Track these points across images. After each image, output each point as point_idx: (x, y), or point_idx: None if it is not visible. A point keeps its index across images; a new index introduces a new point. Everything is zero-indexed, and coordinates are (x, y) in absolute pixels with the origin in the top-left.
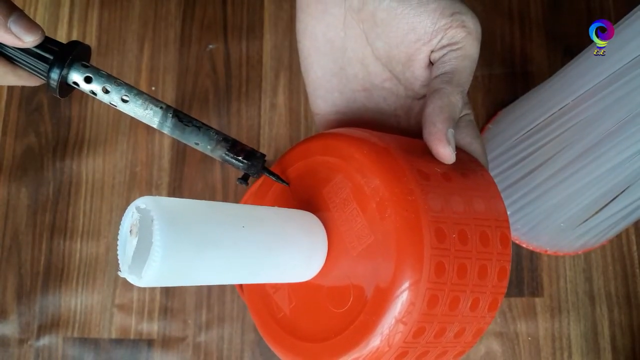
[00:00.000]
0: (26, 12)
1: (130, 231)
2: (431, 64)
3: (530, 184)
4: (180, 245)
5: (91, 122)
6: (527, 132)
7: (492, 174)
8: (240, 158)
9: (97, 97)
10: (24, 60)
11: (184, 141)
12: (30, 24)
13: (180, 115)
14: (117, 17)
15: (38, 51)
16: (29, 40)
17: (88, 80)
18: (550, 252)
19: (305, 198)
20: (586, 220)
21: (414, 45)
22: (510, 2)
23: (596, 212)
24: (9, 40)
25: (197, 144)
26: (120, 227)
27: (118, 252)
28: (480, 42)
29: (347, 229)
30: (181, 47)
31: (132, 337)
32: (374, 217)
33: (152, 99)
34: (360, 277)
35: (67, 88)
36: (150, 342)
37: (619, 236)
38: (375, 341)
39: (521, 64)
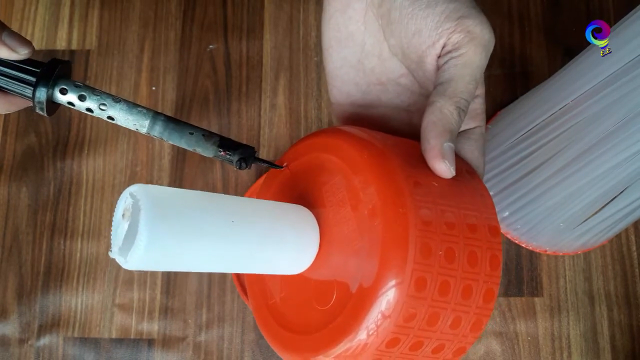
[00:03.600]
0: (26, 12)
1: (122, 215)
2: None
3: (530, 184)
4: (165, 235)
5: (91, 121)
6: (527, 132)
7: (491, 174)
8: (232, 152)
9: (94, 114)
10: (11, 86)
11: (173, 142)
12: (22, 38)
13: (168, 119)
14: (117, 17)
15: (21, 74)
16: (24, 52)
17: (82, 98)
18: (549, 252)
19: (305, 193)
20: (586, 220)
21: (420, 48)
22: (509, 3)
23: (596, 212)
24: (4, 53)
25: (189, 145)
26: (115, 210)
27: (111, 234)
28: (488, 49)
29: (339, 230)
30: (181, 47)
31: (132, 336)
32: (365, 223)
33: (134, 106)
34: (344, 278)
35: (53, 106)
36: (150, 342)
37: (618, 236)
38: (349, 344)
39: (520, 64)
